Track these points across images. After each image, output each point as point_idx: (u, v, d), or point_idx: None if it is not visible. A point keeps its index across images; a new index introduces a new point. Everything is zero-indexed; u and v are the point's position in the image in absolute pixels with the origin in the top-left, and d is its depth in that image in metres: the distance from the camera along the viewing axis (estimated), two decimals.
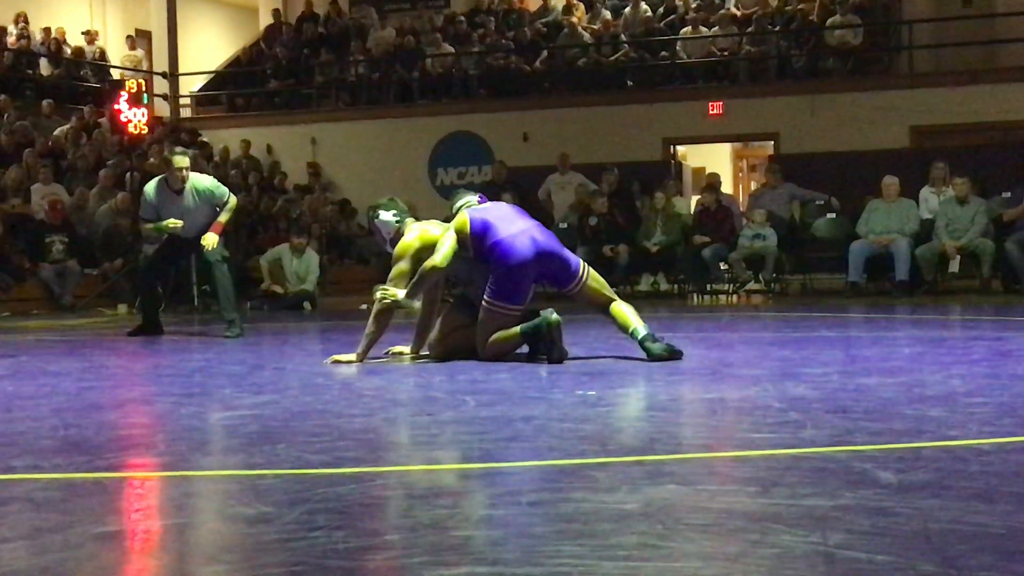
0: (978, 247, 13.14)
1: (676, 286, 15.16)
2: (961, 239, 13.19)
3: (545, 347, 6.39)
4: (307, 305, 14.14)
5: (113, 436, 4.38)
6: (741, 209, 16.26)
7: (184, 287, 14.18)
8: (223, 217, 9.40)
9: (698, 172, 20.81)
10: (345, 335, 7.37)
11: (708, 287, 14.74)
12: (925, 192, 14.27)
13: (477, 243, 6.61)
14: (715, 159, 22.25)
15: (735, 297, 14.17)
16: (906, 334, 8.89)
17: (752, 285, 14.50)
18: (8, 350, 8.69)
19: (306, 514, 2.93)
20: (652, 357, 6.33)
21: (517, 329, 6.47)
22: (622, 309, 6.62)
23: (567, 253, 6.69)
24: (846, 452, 3.63)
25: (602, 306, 6.68)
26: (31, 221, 14.90)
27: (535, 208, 16.57)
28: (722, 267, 14.58)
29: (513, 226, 6.64)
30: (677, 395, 5.27)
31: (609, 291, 6.75)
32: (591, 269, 6.73)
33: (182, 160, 9.44)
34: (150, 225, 9.51)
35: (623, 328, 6.56)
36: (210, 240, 9.27)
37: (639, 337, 6.44)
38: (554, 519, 2.85)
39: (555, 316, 6.37)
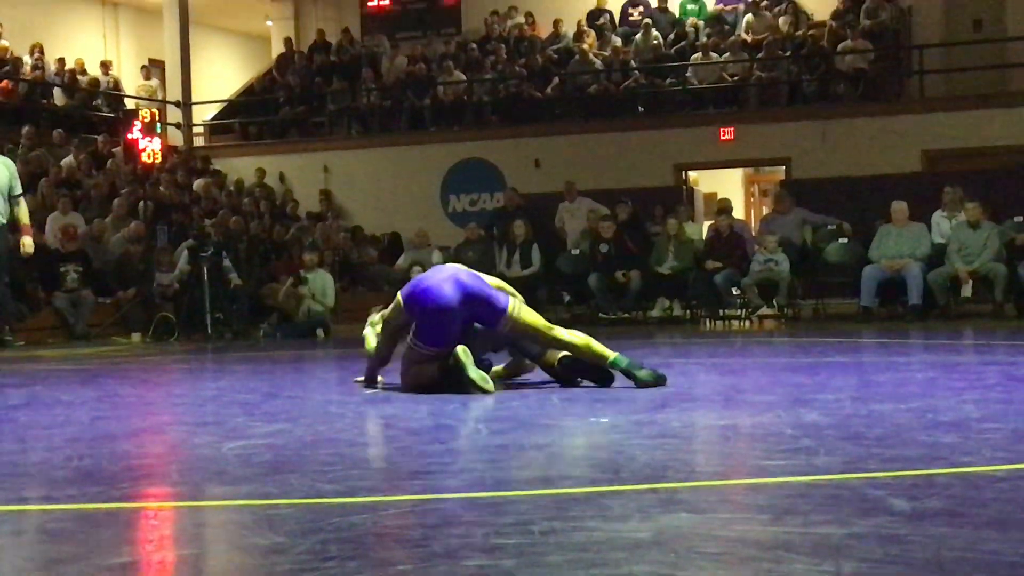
0: (991, 271, 13.11)
1: (688, 312, 15.16)
2: (973, 263, 13.17)
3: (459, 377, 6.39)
4: (320, 332, 14.17)
5: (127, 466, 4.39)
6: (753, 234, 16.26)
7: (197, 314, 14.22)
8: (25, 218, 9.44)
9: (709, 197, 20.82)
10: (358, 362, 7.37)
11: (720, 312, 14.72)
12: (937, 216, 14.25)
13: (409, 304, 6.60)
14: (726, 184, 22.27)
15: (747, 322, 14.16)
16: (919, 359, 8.87)
17: (764, 310, 14.49)
18: (22, 379, 8.71)
19: (319, 544, 2.93)
20: (639, 383, 6.29)
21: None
22: (565, 334, 6.56)
23: (493, 294, 6.58)
24: (859, 479, 3.62)
25: (542, 337, 6.59)
26: (45, 250, 14.95)
27: (549, 235, 16.66)
28: (734, 292, 14.58)
29: (440, 273, 6.67)
30: (689, 422, 5.26)
31: (544, 321, 6.63)
32: (524, 306, 6.62)
33: None
34: None
35: (584, 352, 6.50)
36: (29, 244, 9.32)
37: (612, 360, 6.40)
38: (566, 548, 2.84)
39: (459, 348, 6.37)
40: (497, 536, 2.99)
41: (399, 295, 6.78)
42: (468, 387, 6.32)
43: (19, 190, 9.46)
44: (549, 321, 6.79)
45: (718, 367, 8.61)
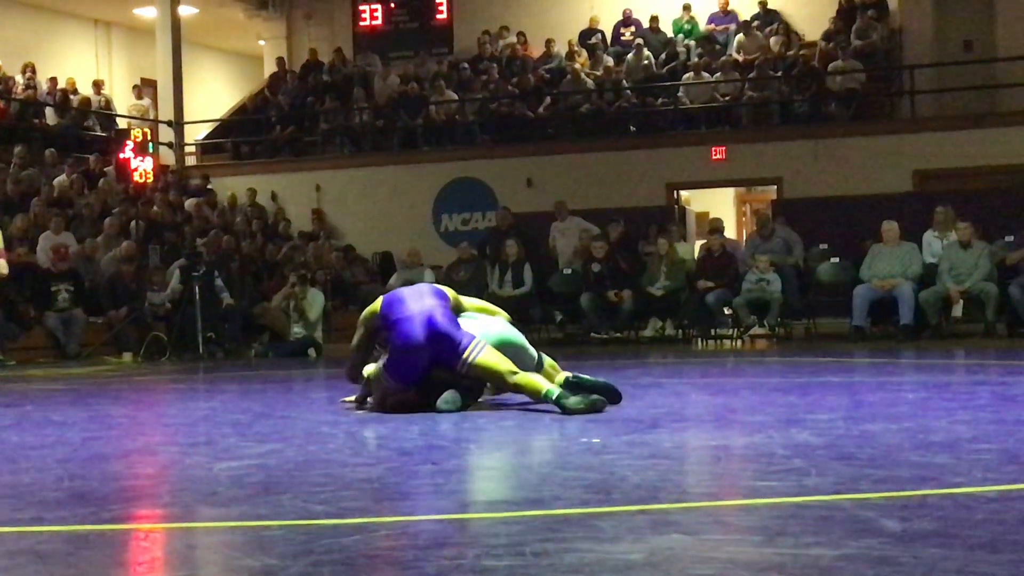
0: (981, 291, 13.14)
1: (681, 331, 15.16)
2: (965, 283, 13.20)
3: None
4: (312, 352, 14.16)
5: (118, 487, 4.39)
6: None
7: (189, 334, 14.20)
8: None
9: (701, 217, 20.85)
10: (349, 382, 7.38)
11: (712, 332, 14.72)
12: (928, 236, 14.28)
13: (385, 319, 6.59)
14: (718, 204, 22.29)
15: (739, 342, 14.16)
16: (911, 379, 8.88)
17: (756, 330, 14.50)
18: (14, 399, 8.69)
19: (311, 566, 2.93)
20: (567, 411, 6.14)
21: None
22: (529, 377, 6.46)
23: (460, 334, 6.48)
24: (850, 500, 3.63)
25: (501, 382, 6.51)
26: (37, 270, 14.94)
27: (541, 255, 16.67)
28: (726, 312, 14.58)
29: (416, 304, 6.59)
30: (681, 442, 5.27)
31: (508, 366, 6.44)
32: (487, 349, 6.46)
33: None
34: None
35: (535, 395, 6.39)
36: (3, 267, 9.53)
37: (553, 397, 6.25)
38: (558, 570, 2.85)
39: (445, 405, 6.43)
40: (489, 557, 2.99)
41: (379, 300, 6.79)
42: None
43: None
44: (535, 344, 6.77)
45: (710, 387, 8.62)
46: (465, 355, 6.41)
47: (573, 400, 6.19)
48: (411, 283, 14.45)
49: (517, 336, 6.88)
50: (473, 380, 6.64)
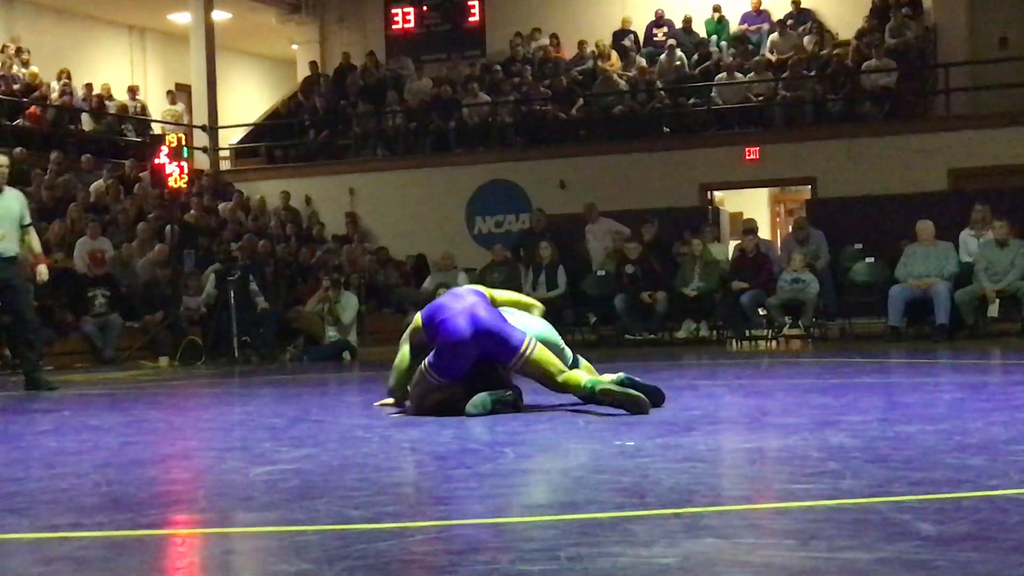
0: (1018, 290, 13.05)
1: (715, 332, 15.13)
2: (1001, 282, 13.11)
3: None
4: (346, 355, 14.20)
5: (155, 492, 4.42)
6: (778, 254, 16.21)
7: (224, 338, 14.27)
8: (37, 247, 9.87)
9: (735, 217, 20.79)
10: (384, 385, 7.40)
11: (747, 333, 14.68)
12: (965, 235, 14.19)
13: (429, 330, 6.58)
14: (752, 204, 22.22)
15: (774, 343, 14.12)
16: (947, 379, 8.83)
17: (791, 330, 14.45)
18: (51, 405, 8.76)
19: (346, 571, 2.94)
20: (594, 393, 6.18)
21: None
22: (575, 374, 6.48)
23: (509, 330, 6.49)
24: (885, 503, 3.61)
25: (551, 380, 6.50)
26: (73, 275, 15.05)
27: (575, 256, 16.66)
28: (760, 313, 14.54)
29: (459, 303, 6.60)
30: (715, 445, 5.26)
31: (559, 364, 6.50)
32: (540, 346, 6.49)
33: (2, 158, 9.96)
34: None
35: (579, 391, 6.40)
36: (44, 273, 9.92)
37: (592, 387, 6.29)
38: (592, 574, 2.85)
39: (473, 409, 6.39)
40: (523, 562, 3.00)
41: (418, 316, 6.79)
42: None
43: (28, 219, 9.88)
44: (570, 345, 6.74)
45: (744, 389, 8.60)
46: (522, 350, 6.43)
47: (608, 385, 6.22)
48: (445, 286, 14.53)
49: (554, 335, 6.89)
50: (523, 376, 6.64)
